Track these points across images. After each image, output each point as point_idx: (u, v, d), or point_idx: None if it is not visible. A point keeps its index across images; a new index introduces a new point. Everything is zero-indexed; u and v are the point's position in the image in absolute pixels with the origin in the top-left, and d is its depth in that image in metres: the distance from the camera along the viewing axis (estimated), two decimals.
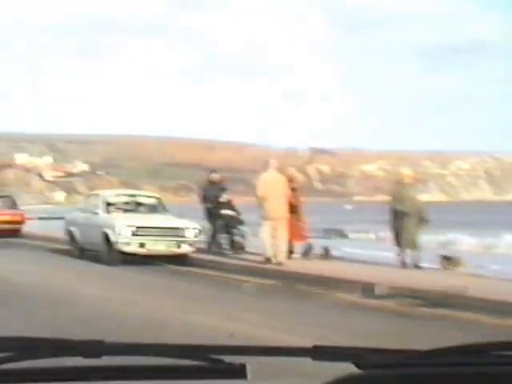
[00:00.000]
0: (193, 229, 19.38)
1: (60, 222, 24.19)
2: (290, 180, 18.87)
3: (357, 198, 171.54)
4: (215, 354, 1.87)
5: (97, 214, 20.00)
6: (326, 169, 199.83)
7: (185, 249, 19.19)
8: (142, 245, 18.85)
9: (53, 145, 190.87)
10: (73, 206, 49.48)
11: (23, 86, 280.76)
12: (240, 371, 1.85)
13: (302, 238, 19.31)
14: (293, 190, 18.76)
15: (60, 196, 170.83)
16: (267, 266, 17.16)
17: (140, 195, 21.86)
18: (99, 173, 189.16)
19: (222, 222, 19.92)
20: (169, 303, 12.55)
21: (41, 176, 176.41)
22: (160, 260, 19.07)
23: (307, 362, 1.88)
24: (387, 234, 20.50)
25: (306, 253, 19.24)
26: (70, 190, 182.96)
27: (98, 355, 1.84)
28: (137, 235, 18.81)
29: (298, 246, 19.39)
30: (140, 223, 19.15)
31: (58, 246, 23.92)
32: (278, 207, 17.60)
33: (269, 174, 18.33)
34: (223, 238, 20.19)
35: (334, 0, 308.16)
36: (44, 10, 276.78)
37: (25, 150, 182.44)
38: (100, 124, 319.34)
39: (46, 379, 1.84)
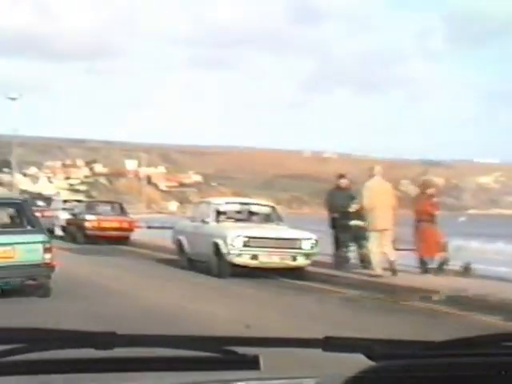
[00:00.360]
0: (309, 240, 17.68)
1: (170, 232, 23.05)
2: (427, 186, 17.14)
3: (471, 211, 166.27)
4: (228, 346, 1.86)
5: (207, 222, 18.56)
6: (440, 181, 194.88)
7: (300, 261, 17.51)
8: (254, 257, 17.26)
9: (167, 155, 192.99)
10: (184, 216, 48.96)
11: (140, 97, 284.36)
12: (253, 362, 1.84)
13: (439, 249, 17.29)
14: (430, 196, 17.43)
15: (173, 206, 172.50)
16: (391, 280, 15.64)
17: (252, 204, 20.22)
18: (212, 184, 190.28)
19: (350, 233, 18.13)
20: (288, 323, 10.85)
21: (155, 185, 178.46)
22: (273, 273, 17.46)
23: (319, 353, 1.84)
24: None
25: (441, 266, 17.20)
26: (183, 200, 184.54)
27: (109, 347, 1.82)
28: (249, 246, 17.25)
29: (428, 259, 17.40)
30: (252, 233, 17.58)
31: (165, 255, 22.77)
32: (385, 218, 16.38)
33: (375, 182, 16.95)
34: (350, 251, 18.43)
35: None
36: (168, 22, 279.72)
37: (139, 159, 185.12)
38: (214, 135, 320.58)
39: (57, 370, 1.87)
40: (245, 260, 17.24)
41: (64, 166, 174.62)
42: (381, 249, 16.50)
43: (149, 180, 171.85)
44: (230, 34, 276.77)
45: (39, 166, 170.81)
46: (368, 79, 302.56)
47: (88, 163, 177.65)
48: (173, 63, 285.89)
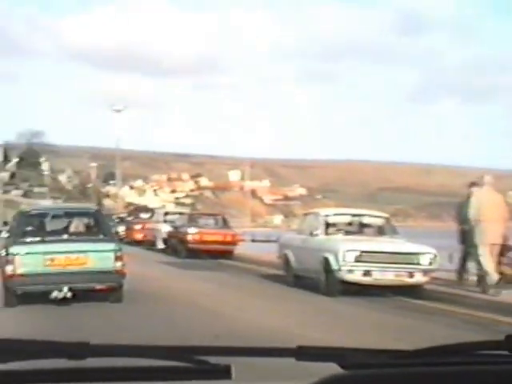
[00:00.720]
0: (428, 254, 15.91)
1: (273, 246, 21.69)
2: None
3: None
4: (200, 355, 1.87)
5: (315, 235, 17.01)
6: None
7: (418, 278, 15.75)
8: (367, 273, 15.60)
9: (271, 169, 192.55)
10: (289, 229, 47.45)
11: (245, 112, 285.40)
12: (225, 372, 1.85)
13: None
14: None
15: (277, 219, 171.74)
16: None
17: (364, 215, 18.46)
18: (316, 197, 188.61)
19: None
20: None
21: (259, 199, 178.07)
22: (387, 291, 15.76)
23: (291, 362, 1.85)
24: None
25: None
26: (288, 214, 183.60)
27: (82, 356, 1.83)
28: (361, 261, 15.61)
29: None
30: (365, 247, 15.94)
31: (270, 270, 21.41)
32: (495, 231, 14.92)
33: (485, 193, 15.38)
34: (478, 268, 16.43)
35: None
36: (274, 36, 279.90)
37: (244, 173, 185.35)
38: (318, 148, 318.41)
39: (30, 380, 1.86)
40: (357, 277, 15.62)
41: (170, 179, 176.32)
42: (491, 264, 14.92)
43: (253, 193, 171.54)
44: (333, 46, 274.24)
45: (145, 179, 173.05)
46: (473, 89, 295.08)
47: (193, 177, 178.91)
48: (277, 77, 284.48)
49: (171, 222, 31.27)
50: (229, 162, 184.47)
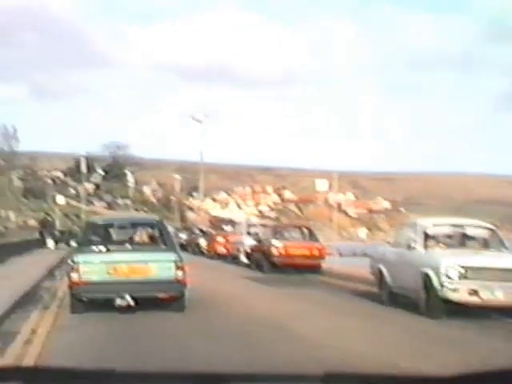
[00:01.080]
0: None
1: (362, 260, 19.96)
2: None
3: None
4: (226, 381, 1.83)
5: (413, 248, 15.26)
6: None
7: None
8: (473, 292, 13.76)
9: (356, 181, 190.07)
10: (375, 242, 45.80)
11: (329, 124, 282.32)
12: None
13: None
14: None
15: (362, 233, 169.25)
16: None
17: (468, 225, 16.55)
18: (401, 210, 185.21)
19: None
20: None
21: (344, 212, 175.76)
22: (495, 312, 13.91)
23: None
24: None
25: None
26: (372, 227, 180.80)
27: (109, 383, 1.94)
28: (467, 278, 13.79)
29: None
30: (471, 262, 14.08)
31: (361, 286, 19.74)
32: None
33: None
34: None
35: None
36: (359, 47, 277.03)
37: (331, 183, 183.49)
38: (403, 161, 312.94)
39: None
40: (461, 296, 13.80)
41: (253, 192, 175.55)
42: None
43: (338, 206, 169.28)
44: (420, 56, 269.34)
45: (229, 192, 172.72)
46: None
47: (277, 190, 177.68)
48: (362, 88, 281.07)
49: (255, 234, 29.88)
50: (312, 174, 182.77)
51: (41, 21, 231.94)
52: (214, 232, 39.44)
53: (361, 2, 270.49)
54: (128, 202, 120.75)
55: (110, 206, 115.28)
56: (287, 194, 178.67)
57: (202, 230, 44.60)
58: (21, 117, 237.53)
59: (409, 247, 15.35)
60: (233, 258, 32.38)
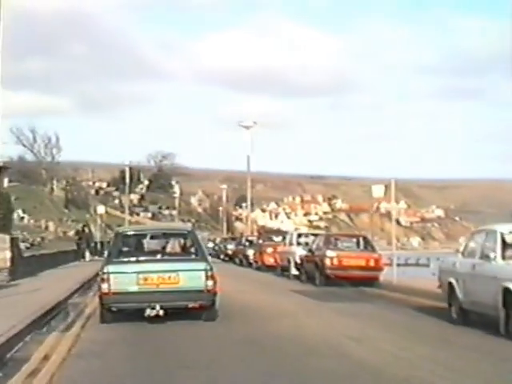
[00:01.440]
0: None
1: (421, 270, 17.90)
2: None
3: None
4: None
5: (490, 259, 13.25)
6: None
7: None
8: None
9: (408, 190, 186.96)
10: (427, 252, 43.92)
11: (381, 131, 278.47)
12: None
13: None
14: None
15: (415, 242, 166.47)
16: None
17: None
18: (455, 218, 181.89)
19: None
20: None
21: (396, 221, 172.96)
22: None
23: None
24: None
25: None
26: (425, 236, 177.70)
27: None
28: None
29: None
30: None
31: (426, 301, 17.78)
32: None
33: None
34: None
35: None
36: (414, 51, 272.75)
37: (389, 189, 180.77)
38: (456, 168, 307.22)
39: None
40: None
41: (303, 202, 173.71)
42: None
43: (390, 215, 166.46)
44: (476, 60, 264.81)
45: (278, 201, 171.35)
46: None
47: (328, 199, 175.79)
48: (415, 94, 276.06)
49: (305, 244, 28.04)
50: (364, 183, 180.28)
51: (88, 31, 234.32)
52: (262, 242, 37.57)
53: (414, 5, 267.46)
54: (174, 212, 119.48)
55: (154, 217, 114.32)
56: (338, 204, 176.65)
57: (249, 241, 42.82)
58: (66, 128, 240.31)
59: (485, 258, 13.35)
60: (282, 270, 30.59)
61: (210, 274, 13.67)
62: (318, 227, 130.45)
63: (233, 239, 55.51)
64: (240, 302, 18.04)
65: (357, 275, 23.58)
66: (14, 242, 23.30)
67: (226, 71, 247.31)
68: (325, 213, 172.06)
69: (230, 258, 48.92)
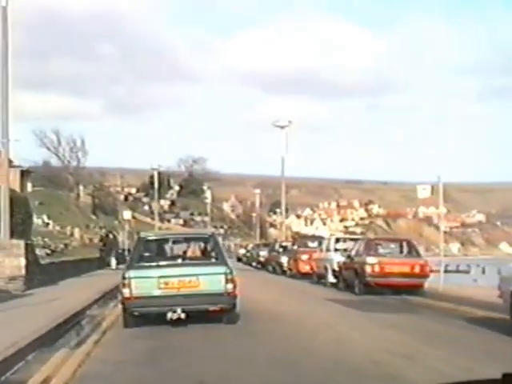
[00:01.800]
0: None
1: (462, 277, 16.47)
2: None
3: None
4: None
5: None
6: None
7: None
8: None
9: (448, 194, 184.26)
10: (467, 258, 42.37)
11: (421, 134, 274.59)
12: None
13: None
14: None
15: (454, 247, 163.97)
16: None
17: None
18: (496, 223, 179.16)
19: None
20: None
21: (435, 226, 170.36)
22: None
23: None
24: None
25: None
26: (465, 242, 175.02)
27: None
28: None
29: None
30: None
31: (480, 312, 16.32)
32: None
33: None
34: None
35: None
36: (455, 51, 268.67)
37: (417, 199, 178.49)
38: (499, 171, 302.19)
39: None
40: None
41: (339, 207, 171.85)
42: None
43: (429, 221, 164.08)
44: None
45: (314, 207, 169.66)
46: None
47: (365, 204, 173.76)
48: (455, 95, 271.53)
49: (343, 250, 26.56)
50: (401, 187, 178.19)
51: (118, 32, 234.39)
52: (296, 248, 36.05)
53: (457, 4, 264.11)
54: (206, 218, 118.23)
55: (186, 223, 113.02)
56: (375, 209, 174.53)
57: (283, 247, 41.31)
58: (94, 131, 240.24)
59: None
60: (318, 278, 29.14)
61: (229, 277, 13.88)
62: (353, 233, 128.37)
63: (265, 245, 53.85)
64: (274, 314, 16.71)
65: (400, 283, 22.09)
66: (29, 248, 22.06)
67: (259, 72, 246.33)
68: (361, 218, 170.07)
69: (263, 266, 47.46)
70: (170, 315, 13.59)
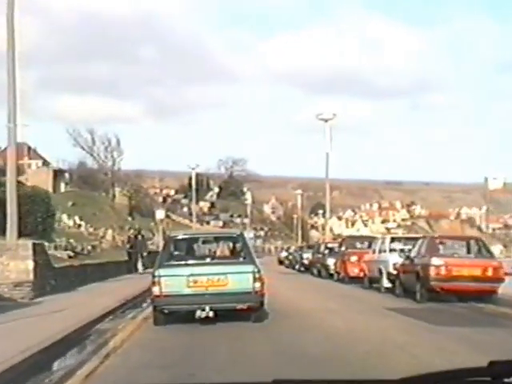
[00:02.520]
0: None
1: None
2: None
3: None
4: None
5: None
6: None
7: None
8: None
9: (490, 195, 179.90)
10: (509, 260, 39.18)
11: (462, 133, 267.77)
12: None
13: None
14: None
15: (496, 249, 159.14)
16: None
17: None
18: None
19: None
20: None
21: (477, 227, 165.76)
22: None
23: None
24: None
25: None
26: (508, 243, 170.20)
27: None
28: None
29: None
30: None
31: None
32: None
33: None
34: None
35: None
36: (496, 47, 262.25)
37: (460, 200, 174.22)
38: None
39: None
40: None
41: (381, 208, 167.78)
42: None
43: (471, 222, 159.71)
44: None
45: (355, 208, 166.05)
46: None
47: (407, 206, 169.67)
48: (499, 94, 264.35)
49: (400, 251, 23.03)
50: (442, 188, 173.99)
51: (158, 34, 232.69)
52: (344, 250, 32.48)
53: (500, 1, 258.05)
54: (246, 220, 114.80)
55: (225, 225, 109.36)
56: (417, 210, 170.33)
57: (329, 248, 37.82)
58: (132, 134, 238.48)
59: None
60: (370, 282, 25.67)
61: (257, 276, 13.87)
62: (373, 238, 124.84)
63: (309, 247, 50.38)
64: (326, 327, 13.66)
65: (470, 288, 18.61)
66: (37, 249, 18.82)
67: (299, 73, 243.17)
68: (403, 219, 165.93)
69: (307, 269, 43.99)
70: (198, 313, 13.56)
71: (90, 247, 39.36)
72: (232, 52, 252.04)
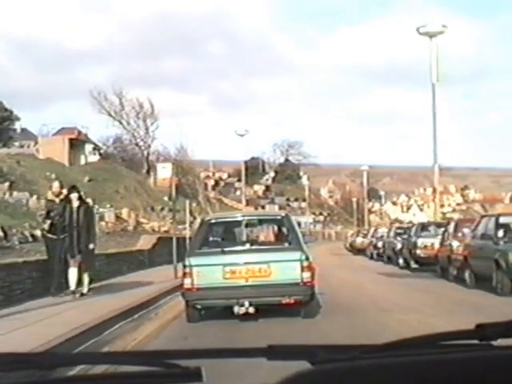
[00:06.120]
0: None
1: None
2: None
3: None
4: (171, 359, 1.80)
5: None
6: None
7: None
8: None
9: None
10: None
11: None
12: (196, 374, 1.75)
13: None
14: None
15: None
16: None
17: None
18: None
19: None
20: None
21: None
22: None
23: (263, 362, 1.78)
24: None
25: None
26: None
27: (52, 367, 1.80)
28: None
29: None
30: None
31: None
32: None
33: None
34: None
35: None
36: None
37: (509, 184, 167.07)
38: None
39: None
40: None
41: (435, 193, 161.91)
42: None
43: None
44: None
45: (408, 194, 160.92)
46: None
47: (461, 189, 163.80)
48: None
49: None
50: (492, 173, 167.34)
51: (225, 30, 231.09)
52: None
53: None
54: (303, 204, 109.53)
55: (281, 209, 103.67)
56: (471, 194, 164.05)
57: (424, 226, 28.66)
58: (198, 126, 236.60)
59: None
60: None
61: (305, 264, 11.46)
62: (451, 219, 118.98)
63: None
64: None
65: None
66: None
67: (359, 64, 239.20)
68: (457, 204, 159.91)
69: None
70: (236, 309, 11.40)
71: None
72: (296, 45, 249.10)
